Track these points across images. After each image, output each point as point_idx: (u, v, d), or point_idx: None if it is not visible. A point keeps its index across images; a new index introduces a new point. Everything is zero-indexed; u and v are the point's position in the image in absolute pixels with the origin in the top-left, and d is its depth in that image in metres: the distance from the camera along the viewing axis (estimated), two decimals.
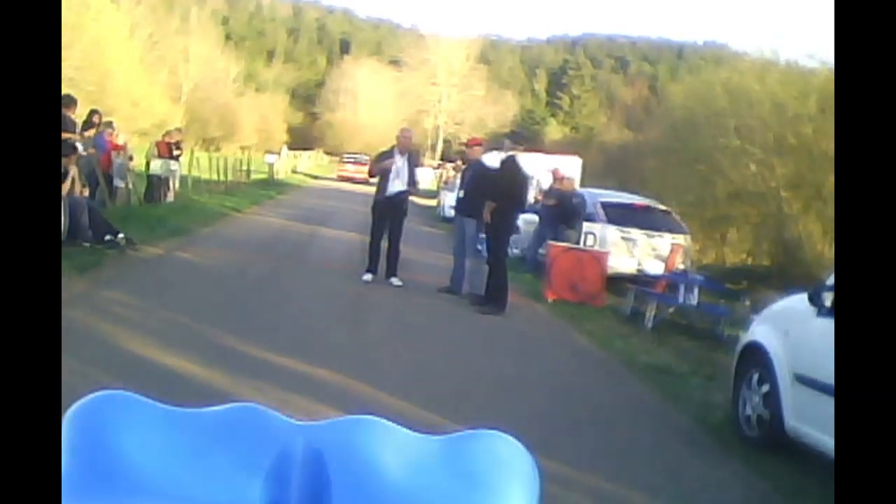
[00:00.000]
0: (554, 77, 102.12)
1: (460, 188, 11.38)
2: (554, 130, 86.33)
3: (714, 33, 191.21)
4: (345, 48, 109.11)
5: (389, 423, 1.33)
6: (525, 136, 10.72)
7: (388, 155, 11.38)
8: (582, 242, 13.07)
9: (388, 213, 11.25)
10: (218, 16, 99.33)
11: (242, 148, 70.78)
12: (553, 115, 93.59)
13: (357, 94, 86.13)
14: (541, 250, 14.79)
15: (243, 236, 15.12)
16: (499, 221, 9.97)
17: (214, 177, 26.34)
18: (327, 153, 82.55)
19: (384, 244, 11.39)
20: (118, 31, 54.35)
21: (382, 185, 11.26)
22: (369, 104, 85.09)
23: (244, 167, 31.38)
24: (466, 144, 11.47)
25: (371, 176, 11.68)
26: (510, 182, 9.95)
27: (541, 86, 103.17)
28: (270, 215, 20.57)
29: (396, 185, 11.21)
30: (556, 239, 14.26)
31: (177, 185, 20.75)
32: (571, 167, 24.61)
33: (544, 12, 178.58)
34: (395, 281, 11.25)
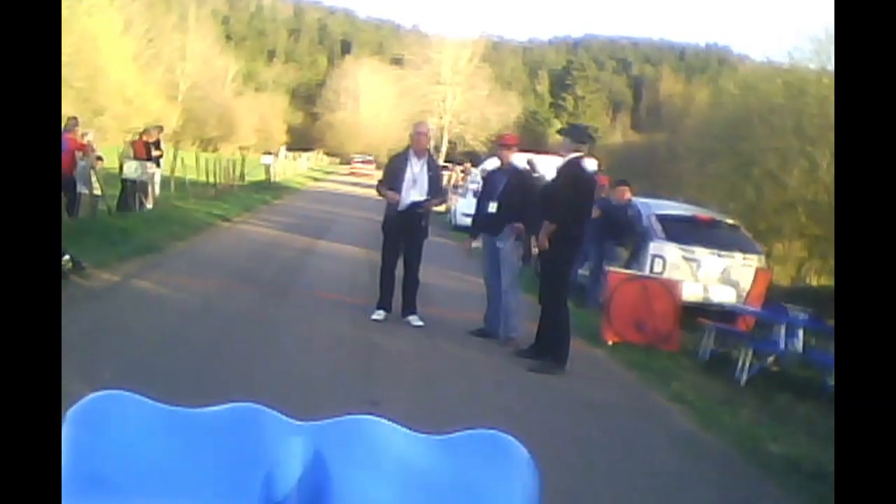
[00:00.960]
0: (557, 78, 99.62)
1: (486, 199, 8.58)
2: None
3: (716, 35, 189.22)
4: (346, 48, 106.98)
5: (389, 423, 1.33)
6: (587, 131, 7.90)
7: (401, 159, 8.70)
8: (648, 268, 10.37)
9: (404, 231, 8.54)
10: (218, 15, 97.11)
11: (241, 148, 68.32)
12: (557, 117, 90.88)
13: (358, 93, 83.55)
14: (582, 270, 12.09)
15: (225, 254, 12.36)
16: (560, 249, 7.25)
17: (206, 179, 23.65)
18: (328, 154, 79.97)
19: (399, 269, 8.70)
20: (111, 27, 51.76)
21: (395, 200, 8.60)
22: (370, 104, 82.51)
23: (238, 169, 28.61)
24: (499, 143, 8.71)
25: (382, 195, 8.87)
26: (574, 196, 7.24)
27: (543, 87, 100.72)
28: (262, 224, 17.83)
29: (413, 195, 8.49)
30: (602, 257, 11.61)
31: (156, 190, 18.04)
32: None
33: (545, 13, 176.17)
34: (413, 320, 8.55)
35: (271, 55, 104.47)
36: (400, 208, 8.45)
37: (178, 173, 20.36)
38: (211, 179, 23.99)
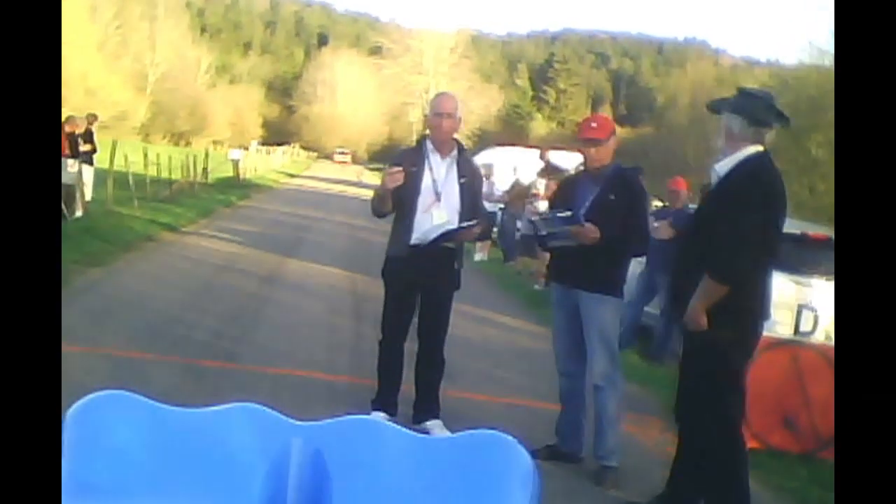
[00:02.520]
0: (538, 71, 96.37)
1: (558, 222, 4.87)
2: (540, 125, 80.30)
3: (694, 30, 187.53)
4: (323, 41, 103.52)
5: (389, 424, 1.35)
6: (772, 102, 4.11)
7: (412, 157, 4.97)
8: (792, 326, 6.82)
9: (421, 281, 4.88)
10: (193, 7, 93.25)
11: (214, 142, 64.28)
12: (539, 110, 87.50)
13: (335, 85, 79.58)
14: (649, 307, 8.59)
15: (150, 291, 8.48)
16: (731, 329, 3.64)
17: (157, 174, 19.85)
18: (304, 148, 75.99)
19: (410, 341, 5.08)
20: (74, 12, 47.57)
21: (403, 224, 4.88)
22: (349, 96, 78.62)
23: (201, 164, 24.71)
24: (584, 138, 4.80)
25: (377, 213, 5.08)
26: (765, 227, 3.65)
27: (523, 80, 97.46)
28: (218, 236, 14.04)
29: (437, 217, 4.84)
30: None
31: (87, 193, 14.29)
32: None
33: (523, 7, 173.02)
34: (435, 428, 4.86)
35: (247, 47, 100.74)
36: (414, 241, 4.81)
37: (112, 167, 16.48)
38: (166, 175, 20.24)
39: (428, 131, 5.09)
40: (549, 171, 15.00)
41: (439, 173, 4.90)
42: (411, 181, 4.81)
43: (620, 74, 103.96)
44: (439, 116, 4.91)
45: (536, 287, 12.10)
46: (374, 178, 51.70)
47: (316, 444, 1.27)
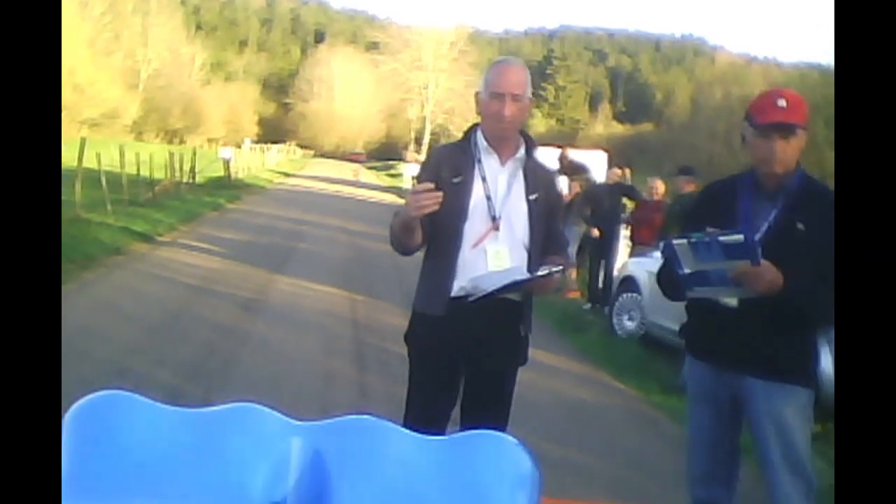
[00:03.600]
0: (536, 69, 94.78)
1: (715, 252, 2.73)
2: (539, 122, 78.59)
3: (691, 27, 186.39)
4: (319, 38, 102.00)
5: (389, 424, 1.24)
6: None
7: (456, 159, 3.03)
8: None
9: (463, 355, 2.98)
10: (188, 6, 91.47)
11: (209, 140, 62.41)
12: (538, 107, 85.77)
13: (332, 82, 77.75)
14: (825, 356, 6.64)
15: (97, 327, 6.60)
16: None
17: (137, 173, 18.01)
18: (301, 146, 74.11)
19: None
20: (63, 7, 45.80)
21: (441, 265, 2.98)
22: (346, 93, 76.82)
23: (188, 163, 22.84)
24: (765, 118, 2.81)
25: (402, 250, 3.03)
26: None
27: None
28: (199, 247, 12.18)
29: (493, 256, 2.95)
30: None
31: None
32: (595, 165, 16.96)
33: (520, 5, 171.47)
34: None
35: (242, 45, 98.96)
36: (458, 292, 2.93)
37: (80, 165, 14.62)
38: (149, 175, 18.40)
39: (480, 112, 3.04)
40: (571, 169, 13.36)
41: (497, 186, 3.02)
42: (453, 199, 2.91)
43: (618, 71, 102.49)
44: (499, 98, 2.94)
45: (584, 308, 10.46)
46: (372, 177, 49.81)
47: (316, 444, 1.23)
